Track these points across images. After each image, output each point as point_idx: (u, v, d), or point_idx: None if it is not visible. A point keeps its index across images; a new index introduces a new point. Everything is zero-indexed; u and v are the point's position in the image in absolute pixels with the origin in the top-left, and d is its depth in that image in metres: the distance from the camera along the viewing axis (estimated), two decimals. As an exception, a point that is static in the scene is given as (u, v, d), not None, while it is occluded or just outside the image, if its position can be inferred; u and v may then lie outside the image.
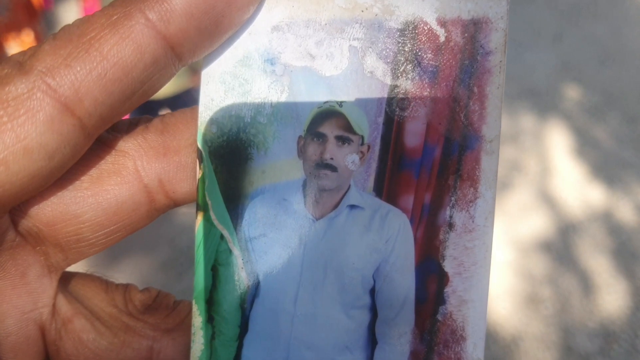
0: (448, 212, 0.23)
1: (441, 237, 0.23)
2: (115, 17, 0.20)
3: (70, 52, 0.20)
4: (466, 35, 0.22)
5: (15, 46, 1.25)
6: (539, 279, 1.46)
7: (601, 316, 1.39)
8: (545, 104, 2.08)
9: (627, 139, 1.95)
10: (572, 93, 2.14)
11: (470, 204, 0.23)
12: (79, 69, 0.20)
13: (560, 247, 1.56)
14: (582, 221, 1.64)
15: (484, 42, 0.22)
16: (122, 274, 1.34)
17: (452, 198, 0.23)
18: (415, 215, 0.23)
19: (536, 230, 1.59)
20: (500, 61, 0.22)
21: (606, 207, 1.68)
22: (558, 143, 1.89)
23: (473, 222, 0.23)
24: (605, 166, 1.83)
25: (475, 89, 0.22)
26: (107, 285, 0.26)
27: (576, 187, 1.74)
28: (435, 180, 0.23)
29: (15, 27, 1.23)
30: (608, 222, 1.64)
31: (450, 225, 0.23)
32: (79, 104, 0.20)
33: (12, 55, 0.21)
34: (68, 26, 0.21)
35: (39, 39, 1.36)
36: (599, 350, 1.32)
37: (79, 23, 0.21)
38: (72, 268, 0.25)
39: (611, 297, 1.43)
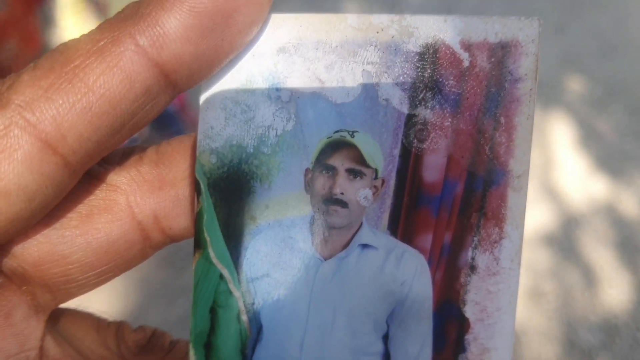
0: (470, 254, 0.20)
1: (462, 280, 0.20)
2: (102, 42, 0.18)
3: (51, 83, 0.17)
4: (493, 60, 0.19)
5: (13, 42, 1.23)
6: (541, 273, 1.43)
7: (604, 310, 1.36)
8: (547, 96, 2.04)
9: (630, 132, 1.91)
10: (575, 85, 2.10)
11: (495, 245, 0.20)
12: (61, 102, 0.17)
13: (563, 240, 1.53)
14: (584, 214, 1.61)
15: (513, 67, 0.19)
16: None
17: (475, 238, 0.20)
18: (433, 256, 0.20)
19: (538, 223, 1.56)
20: (531, 89, 0.19)
21: (609, 200, 1.65)
22: (560, 136, 1.85)
23: (497, 264, 0.20)
24: (608, 159, 1.79)
25: (503, 120, 0.20)
26: (98, 323, 0.24)
27: (579, 180, 1.71)
28: (456, 218, 0.20)
29: (13, 22, 1.20)
30: (611, 215, 1.61)
31: (473, 268, 0.20)
32: (61, 141, 0.18)
33: None
34: (51, 52, 0.18)
35: (38, 33, 1.33)
36: (601, 344, 1.30)
37: (62, 49, 0.18)
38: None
39: (614, 291, 1.40)
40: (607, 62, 2.21)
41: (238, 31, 0.19)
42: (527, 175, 0.20)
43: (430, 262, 0.20)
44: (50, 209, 0.19)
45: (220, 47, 0.19)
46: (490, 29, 0.19)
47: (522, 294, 1.45)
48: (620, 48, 2.29)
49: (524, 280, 1.43)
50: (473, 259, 0.20)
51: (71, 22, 1.34)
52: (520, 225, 0.20)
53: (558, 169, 1.73)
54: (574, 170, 1.74)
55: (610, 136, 1.89)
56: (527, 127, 0.19)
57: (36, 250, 0.20)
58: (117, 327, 0.24)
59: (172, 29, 0.18)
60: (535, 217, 1.58)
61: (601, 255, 1.49)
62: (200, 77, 0.19)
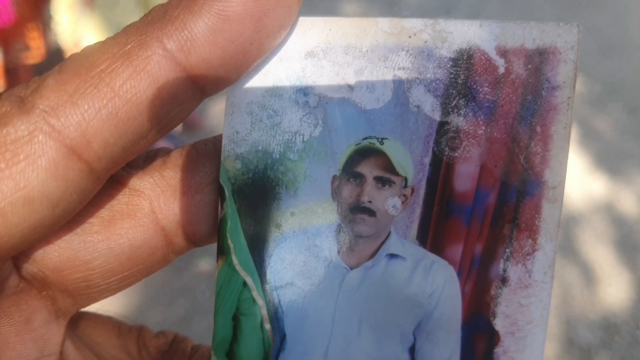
0: (502, 266, 0.19)
1: (493, 292, 0.20)
2: (129, 46, 0.17)
3: (77, 87, 0.17)
4: (530, 66, 0.19)
5: (23, 42, 1.22)
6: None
7: (603, 308, 1.36)
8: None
9: (628, 130, 1.90)
10: (574, 84, 2.09)
11: (528, 257, 0.19)
12: (86, 107, 0.17)
13: (562, 238, 1.53)
14: (583, 213, 1.60)
15: (551, 75, 0.19)
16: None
17: (507, 250, 0.19)
18: (463, 267, 0.20)
19: (537, 220, 1.55)
20: (569, 97, 0.19)
21: (608, 199, 1.65)
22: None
23: (530, 277, 0.19)
24: (606, 157, 1.79)
25: (539, 128, 0.19)
26: (119, 328, 0.23)
27: (578, 179, 1.70)
28: (488, 229, 0.19)
29: (23, 22, 1.19)
30: (610, 213, 1.60)
31: (504, 280, 0.20)
32: (86, 147, 0.17)
33: (13, 90, 0.17)
34: (76, 55, 0.17)
35: (43, 33, 1.32)
36: (601, 342, 1.30)
37: (88, 52, 0.17)
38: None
39: (613, 289, 1.40)
40: (606, 61, 2.20)
41: (267, 35, 0.18)
42: (562, 186, 0.19)
43: (459, 273, 0.20)
44: (73, 215, 0.18)
45: (248, 51, 0.18)
46: (528, 34, 0.19)
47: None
48: (618, 47, 2.28)
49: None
50: (505, 271, 0.19)
51: (65, 17, 1.33)
52: (554, 238, 0.19)
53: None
54: (572, 168, 1.74)
55: (609, 135, 1.89)
56: (564, 136, 0.19)
57: (57, 255, 0.19)
58: (138, 332, 0.23)
59: (200, 33, 0.17)
60: (535, 214, 1.58)
61: (600, 254, 1.49)
62: (228, 81, 0.19)
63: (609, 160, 1.77)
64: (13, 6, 1.14)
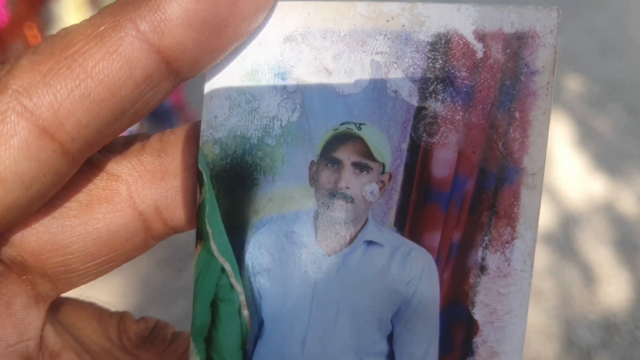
0: (480, 254, 0.19)
1: (471, 281, 0.19)
2: (102, 27, 0.17)
3: (50, 68, 0.16)
4: (508, 51, 0.18)
5: (20, 42, 1.22)
6: (540, 271, 1.42)
7: (602, 308, 1.35)
8: (548, 94, 2.01)
9: (628, 130, 1.89)
10: (573, 84, 2.08)
11: (507, 245, 0.19)
12: (59, 87, 0.16)
13: (561, 238, 1.52)
14: (583, 213, 1.59)
15: (530, 59, 0.18)
16: (119, 272, 1.30)
17: (486, 237, 0.19)
18: (441, 255, 0.19)
19: (537, 220, 1.55)
20: (548, 82, 0.18)
21: (607, 199, 1.64)
22: (558, 135, 1.83)
23: (509, 265, 0.19)
24: (606, 157, 1.77)
25: (517, 114, 0.18)
26: (100, 313, 0.23)
27: (577, 179, 1.69)
28: (466, 216, 0.19)
29: (20, 21, 1.19)
30: (609, 213, 1.59)
31: (482, 268, 0.19)
32: (59, 128, 0.17)
33: None
34: (51, 37, 0.17)
35: (41, 33, 1.32)
36: (600, 342, 1.29)
37: (63, 34, 0.17)
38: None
39: (612, 289, 1.39)
40: (606, 61, 2.19)
41: (243, 17, 0.18)
42: (542, 173, 0.19)
43: (438, 261, 0.19)
44: (48, 197, 0.18)
45: (224, 34, 0.18)
46: (506, 18, 0.18)
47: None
48: (618, 47, 2.27)
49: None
50: (483, 259, 0.19)
51: (74, 18, 1.33)
52: (533, 226, 0.19)
53: (557, 168, 1.71)
54: (572, 168, 1.73)
55: (609, 135, 1.88)
56: (544, 122, 0.18)
57: (35, 239, 0.19)
58: (119, 318, 0.23)
59: (173, 14, 0.17)
60: (534, 214, 1.57)
61: (600, 254, 1.48)
62: (204, 64, 0.18)
63: (609, 160, 1.76)
64: (7, 6, 1.14)
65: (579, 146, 1.81)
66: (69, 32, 0.17)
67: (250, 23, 0.18)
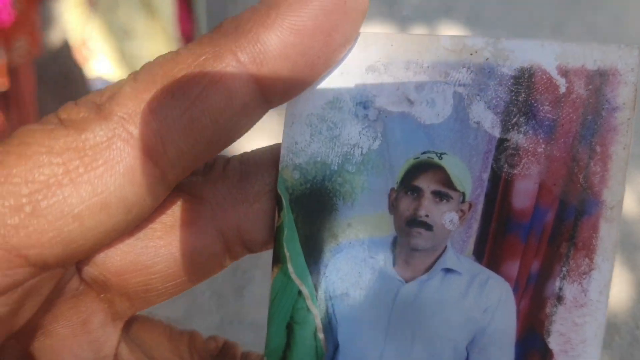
0: (557, 284, 0.19)
1: (548, 310, 0.19)
2: (203, 57, 0.17)
3: (155, 96, 0.17)
4: (590, 87, 0.18)
5: (22, 40, 1.22)
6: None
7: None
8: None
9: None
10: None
11: (584, 276, 0.19)
12: (164, 116, 0.17)
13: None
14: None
15: (611, 96, 0.18)
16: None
17: (564, 268, 0.19)
18: (519, 284, 0.19)
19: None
20: (629, 119, 0.18)
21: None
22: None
23: (585, 296, 0.19)
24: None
25: (598, 148, 0.19)
26: (170, 332, 0.23)
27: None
28: (545, 247, 0.19)
29: (21, 20, 1.19)
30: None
31: (559, 298, 0.19)
32: (162, 155, 0.17)
33: (87, 97, 0.17)
34: (149, 64, 0.17)
35: (39, 31, 1.32)
36: (601, 342, 1.27)
37: (161, 61, 0.17)
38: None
39: (613, 289, 1.36)
40: None
41: (334, 49, 0.18)
42: (620, 206, 0.19)
43: (515, 290, 0.19)
44: (142, 220, 0.18)
45: (316, 64, 0.18)
46: (589, 55, 0.18)
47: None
48: None
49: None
50: (561, 289, 0.19)
51: (73, 16, 1.33)
52: (610, 258, 0.19)
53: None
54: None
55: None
56: (623, 157, 0.19)
57: (119, 259, 0.19)
58: (190, 336, 0.23)
59: (272, 46, 0.17)
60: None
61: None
62: (294, 93, 0.19)
63: None
64: (13, 5, 1.15)
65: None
66: (168, 60, 0.17)
67: (339, 54, 0.19)
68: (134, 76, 0.17)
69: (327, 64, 0.18)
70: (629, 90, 0.18)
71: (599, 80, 0.18)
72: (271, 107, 0.19)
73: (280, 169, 0.20)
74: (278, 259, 0.20)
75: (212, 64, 0.17)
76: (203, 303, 1.33)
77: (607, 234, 0.19)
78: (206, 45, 0.17)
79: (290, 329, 0.20)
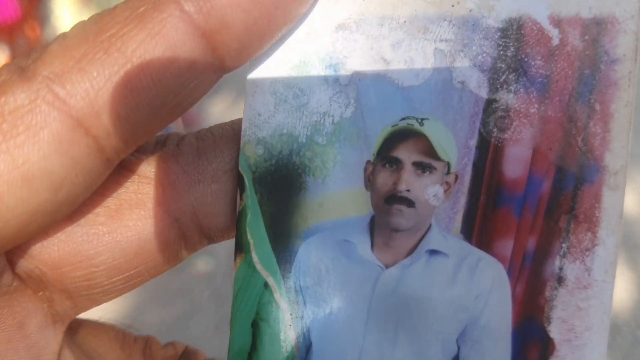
0: (557, 263, 0.16)
1: (547, 294, 0.16)
2: (142, 8, 0.14)
3: (84, 53, 0.14)
4: (586, 37, 0.16)
5: (24, 37, 1.20)
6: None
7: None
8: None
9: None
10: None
11: (587, 253, 0.16)
12: (95, 74, 0.14)
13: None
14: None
15: (609, 47, 0.16)
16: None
17: (564, 245, 0.16)
18: (514, 265, 0.17)
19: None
20: (630, 72, 0.16)
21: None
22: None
23: (589, 275, 0.16)
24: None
25: (597, 106, 0.16)
26: (123, 338, 0.20)
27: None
28: (542, 221, 0.16)
29: (24, 17, 1.17)
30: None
31: (560, 280, 0.16)
32: (95, 120, 0.14)
33: (15, 60, 0.15)
34: (83, 22, 0.14)
35: (40, 28, 1.30)
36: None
37: (96, 18, 0.14)
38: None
39: (614, 289, 1.35)
40: None
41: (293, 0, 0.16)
42: (625, 171, 0.16)
43: (510, 272, 0.17)
44: (78, 203, 0.15)
45: (273, 16, 0.15)
46: (584, 2, 0.16)
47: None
48: None
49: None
50: (561, 269, 0.16)
51: (67, 13, 1.32)
52: (616, 231, 0.16)
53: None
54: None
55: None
56: (626, 115, 0.16)
57: (57, 250, 0.16)
58: (145, 343, 0.20)
59: None
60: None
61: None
62: (250, 52, 0.16)
63: None
64: (18, 1, 1.12)
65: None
66: (103, 16, 0.15)
67: (300, 6, 0.16)
68: (64, 34, 0.15)
69: (287, 16, 0.16)
70: (629, 39, 0.16)
71: (596, 30, 0.16)
72: (226, 71, 0.16)
73: (241, 144, 0.17)
74: (241, 247, 0.17)
75: (152, 14, 0.14)
76: (201, 304, 1.28)
77: (611, 204, 0.16)
78: None
79: (256, 327, 0.17)
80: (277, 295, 0.17)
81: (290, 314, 0.17)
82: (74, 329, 0.19)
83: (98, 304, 0.18)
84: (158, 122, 0.15)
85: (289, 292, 0.17)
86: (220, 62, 0.15)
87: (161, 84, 0.14)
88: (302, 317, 0.17)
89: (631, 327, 1.26)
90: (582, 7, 0.16)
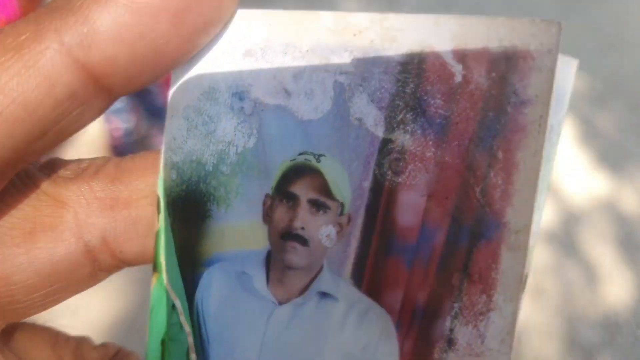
0: (448, 324, 0.14)
1: (436, 356, 0.14)
2: (23, 37, 0.14)
3: None
4: (493, 74, 0.14)
5: None
6: (542, 270, 1.36)
7: (604, 307, 1.29)
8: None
9: (630, 128, 1.79)
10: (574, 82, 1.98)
11: (481, 317, 0.15)
12: None
13: (563, 237, 1.45)
14: (585, 211, 1.52)
15: (519, 86, 0.14)
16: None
17: (455, 305, 0.14)
18: (403, 320, 0.15)
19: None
20: (541, 116, 0.14)
21: (609, 197, 1.55)
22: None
23: (482, 343, 0.15)
24: (608, 155, 1.68)
25: (500, 154, 0.14)
26: (56, 339, 0.20)
27: (579, 177, 1.61)
28: (433, 276, 0.15)
29: (24, 15, 1.17)
30: (611, 212, 1.51)
31: (450, 342, 0.15)
32: None
33: None
34: None
35: None
36: (602, 342, 1.23)
37: None
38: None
39: (615, 288, 1.33)
40: (607, 58, 2.07)
41: (188, 32, 0.14)
42: (528, 231, 0.14)
43: (398, 326, 0.15)
44: None
45: (163, 50, 0.14)
46: (493, 34, 0.14)
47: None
48: (619, 44, 2.15)
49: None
50: (451, 330, 0.14)
51: None
52: (514, 298, 0.14)
53: (558, 166, 1.64)
54: (574, 166, 1.65)
55: (610, 133, 1.78)
56: (533, 166, 0.14)
57: None
58: (77, 344, 0.20)
59: (103, 27, 0.14)
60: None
61: (602, 253, 1.42)
62: (142, 81, 0.15)
63: (611, 158, 1.67)
64: (18, 1, 1.13)
65: (580, 144, 1.73)
66: None
67: (198, 39, 0.15)
68: None
69: (183, 50, 0.15)
70: (544, 78, 0.14)
71: (505, 66, 0.14)
72: (118, 96, 0.15)
73: (160, 168, 0.17)
74: (155, 267, 0.17)
75: (31, 44, 0.14)
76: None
77: (510, 267, 0.14)
78: (31, 22, 0.14)
79: (164, 345, 0.17)
80: (182, 319, 0.17)
81: (193, 338, 0.17)
82: (9, 334, 0.19)
83: (26, 317, 0.18)
84: (40, 146, 0.15)
85: (193, 317, 0.17)
86: (106, 91, 0.15)
87: (36, 114, 0.14)
88: (203, 342, 0.17)
89: (632, 327, 1.22)
90: (492, 39, 0.14)
